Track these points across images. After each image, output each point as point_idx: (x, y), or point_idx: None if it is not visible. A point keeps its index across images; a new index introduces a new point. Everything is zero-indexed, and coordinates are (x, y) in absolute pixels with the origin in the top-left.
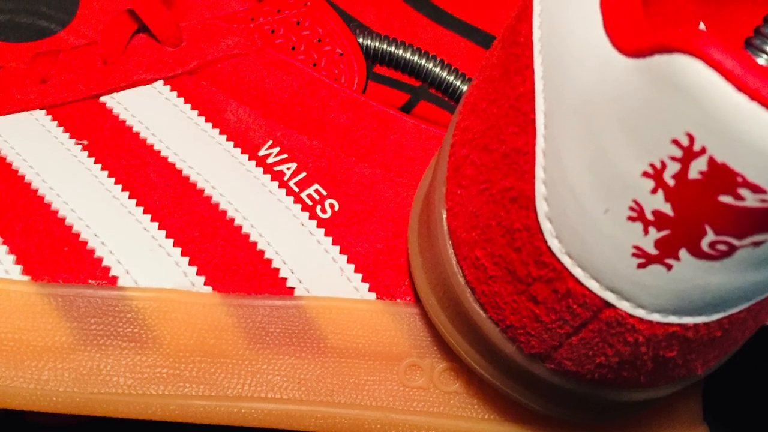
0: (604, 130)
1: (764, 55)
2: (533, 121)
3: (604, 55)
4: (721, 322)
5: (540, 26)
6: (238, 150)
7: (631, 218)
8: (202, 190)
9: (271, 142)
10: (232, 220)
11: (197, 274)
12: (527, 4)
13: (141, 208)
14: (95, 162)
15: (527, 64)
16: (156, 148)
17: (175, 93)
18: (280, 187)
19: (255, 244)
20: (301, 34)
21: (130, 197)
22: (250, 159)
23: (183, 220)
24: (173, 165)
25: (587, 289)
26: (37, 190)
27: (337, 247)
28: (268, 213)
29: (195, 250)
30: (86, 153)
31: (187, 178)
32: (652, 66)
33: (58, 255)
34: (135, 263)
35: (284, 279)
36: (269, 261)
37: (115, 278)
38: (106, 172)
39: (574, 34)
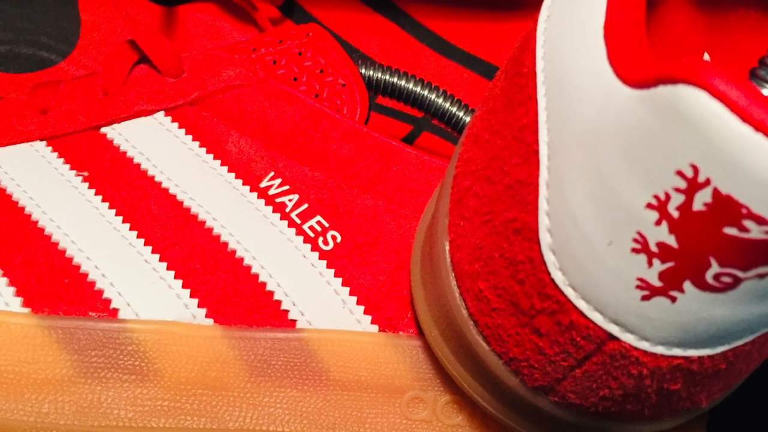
0: (607, 161)
1: None
2: (536, 153)
3: (608, 86)
4: (725, 355)
5: (543, 57)
6: (240, 181)
7: (635, 250)
8: (204, 222)
9: (272, 173)
10: (234, 251)
11: (198, 306)
12: (530, 35)
13: (142, 240)
14: (96, 193)
15: (530, 95)
16: (157, 179)
17: (176, 124)
18: (281, 218)
19: (257, 276)
20: (303, 65)
21: (131, 229)
22: (251, 190)
23: (184, 252)
24: (174, 196)
25: (591, 321)
26: (37, 222)
27: (340, 279)
28: (270, 245)
29: (196, 282)
30: (87, 184)
31: (189, 209)
32: (656, 97)
33: (59, 287)
34: (136, 295)
35: (286, 311)
36: (271, 293)
37: (115, 310)
38: (106, 204)
39: (578, 64)
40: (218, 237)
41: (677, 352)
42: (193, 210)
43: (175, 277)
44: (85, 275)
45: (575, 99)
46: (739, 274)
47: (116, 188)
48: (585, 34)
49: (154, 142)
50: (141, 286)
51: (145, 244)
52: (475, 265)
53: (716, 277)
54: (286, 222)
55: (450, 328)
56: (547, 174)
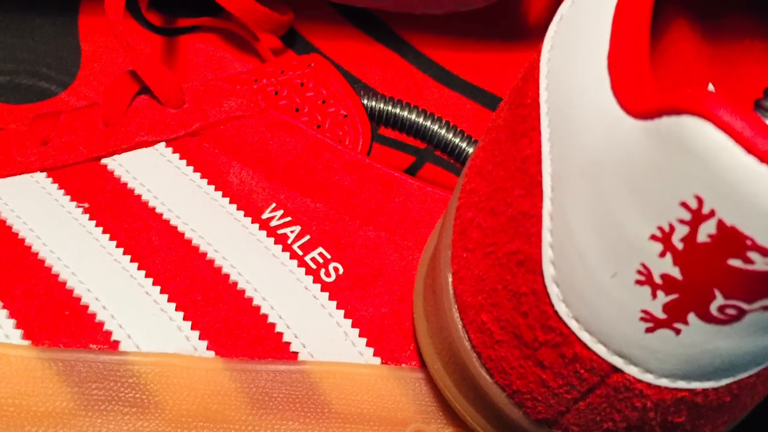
0: (611, 192)
1: None
2: (540, 184)
3: (612, 117)
4: (730, 388)
5: (547, 87)
6: (241, 213)
7: (639, 282)
8: (205, 254)
9: (274, 204)
10: (235, 283)
11: (199, 338)
12: (534, 65)
13: (143, 272)
14: (96, 225)
15: (534, 126)
16: (158, 211)
17: (177, 155)
18: (283, 250)
19: (258, 308)
20: (305, 96)
21: (131, 261)
22: (253, 222)
23: (185, 284)
24: (175, 228)
25: (594, 353)
26: (37, 254)
27: (342, 311)
28: (272, 276)
29: (197, 314)
30: (87, 216)
31: (190, 241)
32: (661, 128)
33: (59, 319)
34: (136, 327)
35: (288, 343)
36: (272, 325)
37: (116, 342)
38: (107, 236)
39: (582, 95)
40: (219, 269)
41: (681, 384)
42: (195, 242)
43: (177, 309)
44: (86, 307)
45: (579, 130)
46: (744, 306)
47: (117, 220)
48: (589, 64)
49: (155, 174)
50: (142, 318)
51: (146, 275)
52: (478, 297)
53: (721, 309)
54: (288, 254)
55: (453, 361)
56: (550, 205)
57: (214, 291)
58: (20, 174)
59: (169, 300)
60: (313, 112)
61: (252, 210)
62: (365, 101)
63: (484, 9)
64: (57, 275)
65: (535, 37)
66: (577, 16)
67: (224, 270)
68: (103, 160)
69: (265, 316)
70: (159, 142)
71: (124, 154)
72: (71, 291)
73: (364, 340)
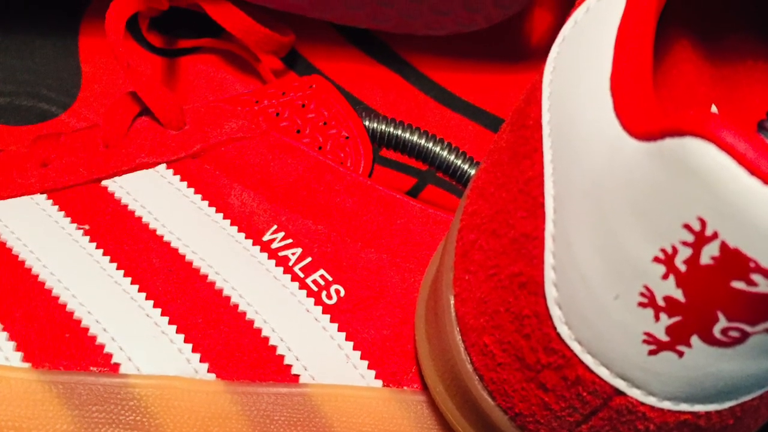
0: (614, 214)
1: None
2: (542, 206)
3: (615, 138)
4: (733, 410)
5: (549, 109)
6: (242, 235)
7: (641, 304)
8: (206, 276)
9: (275, 226)
10: (236, 306)
11: (200, 361)
12: (536, 86)
13: (143, 294)
14: (97, 247)
15: (536, 148)
16: (159, 233)
17: (178, 177)
18: (285, 272)
19: (259, 330)
20: (306, 117)
21: (132, 283)
22: (254, 244)
23: (186, 307)
24: (176, 250)
25: (597, 376)
26: (37, 276)
27: (343, 334)
28: (273, 299)
29: (198, 336)
30: (88, 238)
31: (190, 263)
32: (663, 149)
33: (59, 341)
34: (137, 350)
35: (289, 366)
36: (274, 348)
37: (117, 365)
38: (107, 258)
39: (584, 116)
40: (220, 291)
41: (685, 407)
42: (195, 264)
43: (177, 332)
44: (86, 330)
45: (581, 151)
46: (747, 328)
47: (117, 242)
48: (591, 86)
49: (155, 195)
50: (142, 341)
51: (147, 298)
52: (480, 320)
53: (724, 331)
54: (289, 276)
55: (455, 383)
56: (552, 227)
57: (215, 313)
58: (20, 195)
59: (170, 323)
60: (314, 134)
61: (253, 232)
62: (367, 123)
63: (487, 30)
64: (57, 297)
65: (538, 58)
66: (579, 38)
67: (225, 292)
68: (104, 182)
69: (266, 339)
70: (160, 163)
71: (124, 176)
72: (71, 313)
73: (365, 363)
